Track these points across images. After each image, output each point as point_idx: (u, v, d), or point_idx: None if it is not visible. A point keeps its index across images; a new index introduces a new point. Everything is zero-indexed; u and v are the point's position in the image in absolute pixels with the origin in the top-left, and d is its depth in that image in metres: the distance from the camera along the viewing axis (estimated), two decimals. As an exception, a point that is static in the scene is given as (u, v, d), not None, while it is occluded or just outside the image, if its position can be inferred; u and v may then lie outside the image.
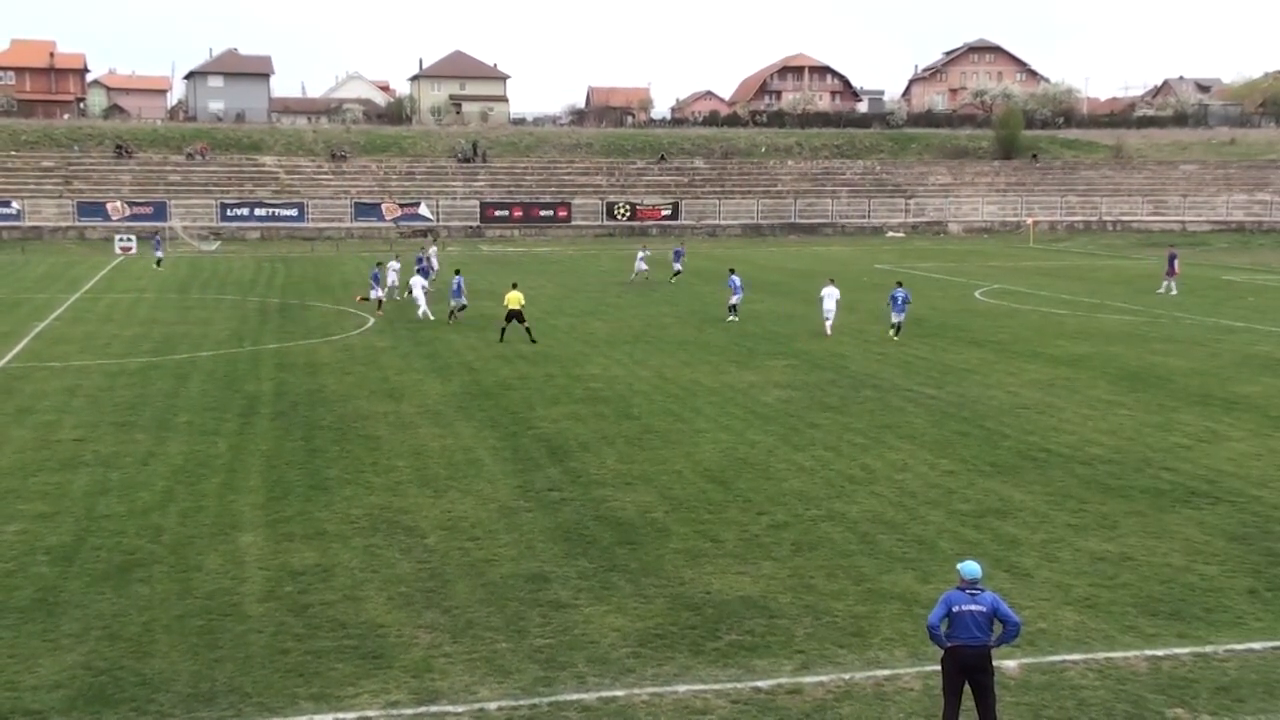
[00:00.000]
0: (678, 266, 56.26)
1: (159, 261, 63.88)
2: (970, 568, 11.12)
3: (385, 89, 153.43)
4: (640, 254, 56.68)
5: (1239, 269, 62.93)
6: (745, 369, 31.67)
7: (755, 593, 15.12)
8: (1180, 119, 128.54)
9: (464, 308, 41.02)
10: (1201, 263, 67.57)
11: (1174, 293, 49.91)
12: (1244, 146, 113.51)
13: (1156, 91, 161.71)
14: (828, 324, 37.81)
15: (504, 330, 36.21)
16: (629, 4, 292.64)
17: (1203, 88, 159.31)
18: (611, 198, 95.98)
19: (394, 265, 49.10)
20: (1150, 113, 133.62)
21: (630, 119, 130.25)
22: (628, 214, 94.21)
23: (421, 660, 13.10)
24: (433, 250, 56.13)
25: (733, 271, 43.87)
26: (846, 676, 12.68)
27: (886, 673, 12.77)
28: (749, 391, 28.54)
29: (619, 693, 12.32)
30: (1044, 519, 18.24)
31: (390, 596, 14.99)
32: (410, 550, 16.77)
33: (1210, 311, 44.17)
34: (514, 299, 36.33)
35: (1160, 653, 13.25)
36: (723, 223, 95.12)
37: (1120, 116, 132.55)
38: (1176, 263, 52.12)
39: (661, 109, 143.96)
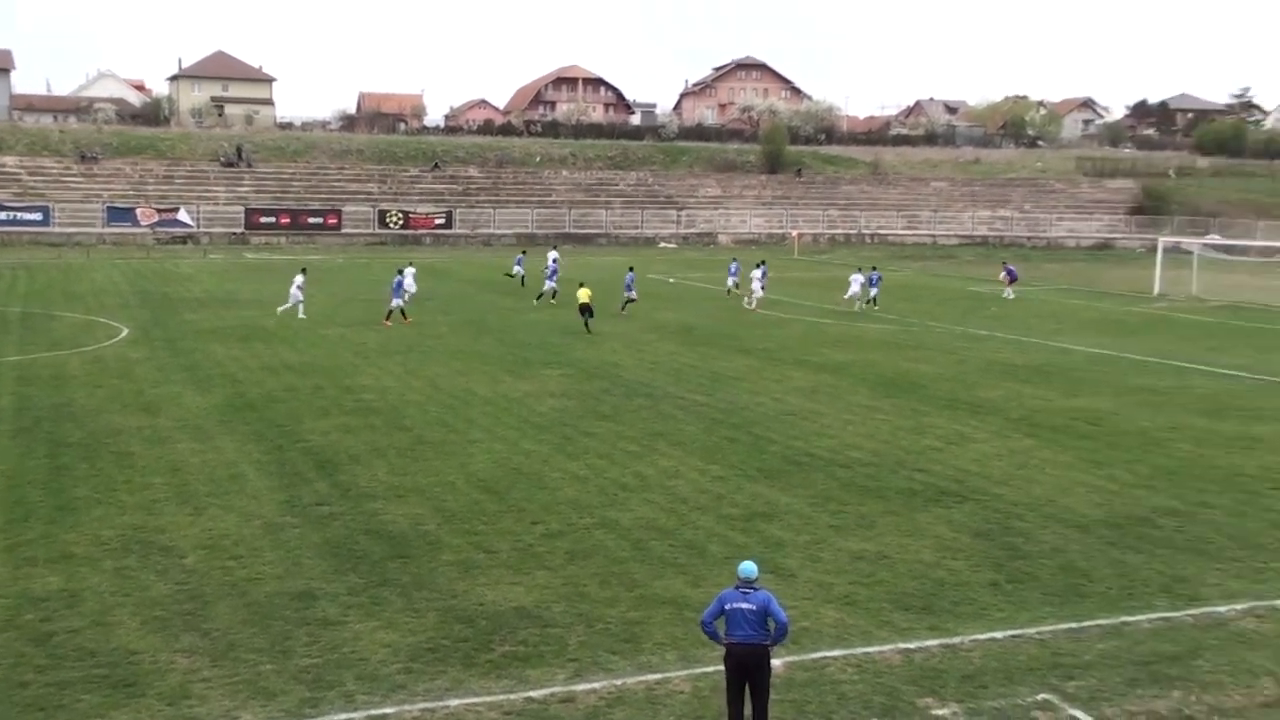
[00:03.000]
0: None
1: None
2: (747, 567, 11.49)
3: (140, 88, 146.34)
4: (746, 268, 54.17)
5: (983, 280, 66.75)
6: (520, 378, 31.66)
7: (529, 603, 15.12)
8: (931, 138, 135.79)
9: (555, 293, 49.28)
10: (950, 274, 71.50)
11: (1011, 297, 55.65)
12: (987, 165, 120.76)
13: (909, 111, 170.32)
14: (854, 300, 49.84)
15: (587, 323, 41.30)
16: (401, 9, 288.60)
17: (950, 109, 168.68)
18: (384, 205, 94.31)
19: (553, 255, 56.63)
20: (904, 131, 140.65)
21: (403, 126, 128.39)
22: (400, 222, 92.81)
23: (178, 686, 12.54)
24: (552, 255, 57.46)
25: (631, 269, 49.94)
26: (619, 682, 12.82)
27: (658, 677, 12.97)
28: (523, 401, 28.54)
29: (389, 710, 12.11)
30: (807, 521, 18.91)
31: (144, 621, 14.29)
32: (166, 571, 16.04)
33: (958, 320, 46.74)
34: (584, 294, 41.77)
35: (912, 645, 13.93)
36: (497, 231, 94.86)
37: (877, 134, 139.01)
38: (1014, 270, 58.75)
39: (435, 116, 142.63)
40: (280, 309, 44.10)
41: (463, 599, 15.23)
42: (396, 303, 43.03)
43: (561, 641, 13.92)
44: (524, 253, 62.94)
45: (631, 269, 50.31)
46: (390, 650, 13.57)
